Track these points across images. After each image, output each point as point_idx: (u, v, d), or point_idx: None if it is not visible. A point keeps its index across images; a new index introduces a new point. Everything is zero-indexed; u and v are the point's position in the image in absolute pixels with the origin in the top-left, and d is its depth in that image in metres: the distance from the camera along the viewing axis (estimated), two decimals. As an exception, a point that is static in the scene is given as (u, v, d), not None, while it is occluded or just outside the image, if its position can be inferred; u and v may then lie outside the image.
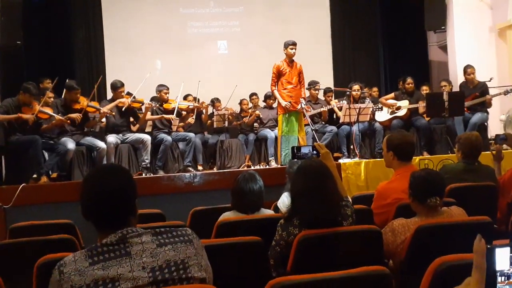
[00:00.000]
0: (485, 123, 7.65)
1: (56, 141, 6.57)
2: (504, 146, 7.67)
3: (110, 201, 1.76)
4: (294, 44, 6.98)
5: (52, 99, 6.87)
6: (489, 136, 7.86)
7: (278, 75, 7.03)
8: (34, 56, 9.29)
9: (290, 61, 7.03)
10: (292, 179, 2.75)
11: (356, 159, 7.00)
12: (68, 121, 6.52)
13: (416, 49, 10.97)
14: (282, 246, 2.64)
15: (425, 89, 8.55)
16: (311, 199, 2.60)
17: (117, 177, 1.81)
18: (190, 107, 7.86)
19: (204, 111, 8.44)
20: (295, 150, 3.40)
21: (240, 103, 9.07)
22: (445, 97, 7.26)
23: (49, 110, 6.47)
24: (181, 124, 8.25)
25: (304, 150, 3.33)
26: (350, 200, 2.91)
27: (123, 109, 7.06)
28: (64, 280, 1.64)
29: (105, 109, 6.86)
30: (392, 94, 8.37)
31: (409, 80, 8.23)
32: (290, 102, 6.88)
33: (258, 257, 2.62)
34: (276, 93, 7.07)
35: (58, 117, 6.39)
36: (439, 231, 2.66)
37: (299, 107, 6.96)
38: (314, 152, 3.25)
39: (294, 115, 7.04)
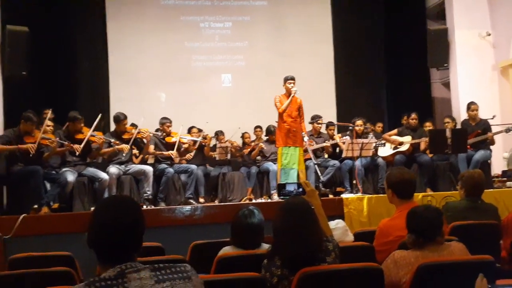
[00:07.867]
0: (488, 161, 7.62)
1: (58, 171, 6.57)
2: (508, 183, 7.66)
3: (120, 235, 1.74)
4: (293, 79, 7.11)
5: (50, 128, 6.87)
6: (492, 174, 7.82)
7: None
8: (39, 86, 9.19)
9: (289, 95, 7.10)
10: (274, 217, 2.72)
11: (359, 194, 6.96)
12: (71, 145, 6.49)
13: (419, 86, 11.00)
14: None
15: (428, 126, 8.52)
16: (290, 238, 2.57)
17: (130, 211, 1.79)
18: (192, 141, 7.87)
19: (206, 144, 8.46)
20: (280, 188, 3.36)
21: (242, 136, 9.09)
22: (448, 133, 7.26)
23: (50, 136, 6.48)
24: (183, 157, 8.24)
25: (289, 187, 3.26)
26: (335, 239, 2.84)
27: (123, 154, 7.04)
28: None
29: (104, 138, 6.85)
30: (395, 130, 8.36)
31: (413, 115, 8.23)
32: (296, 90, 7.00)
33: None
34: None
35: (60, 141, 6.39)
36: (441, 270, 2.63)
37: (305, 140, 7.02)
38: (300, 189, 3.19)
39: (294, 149, 7.10)
